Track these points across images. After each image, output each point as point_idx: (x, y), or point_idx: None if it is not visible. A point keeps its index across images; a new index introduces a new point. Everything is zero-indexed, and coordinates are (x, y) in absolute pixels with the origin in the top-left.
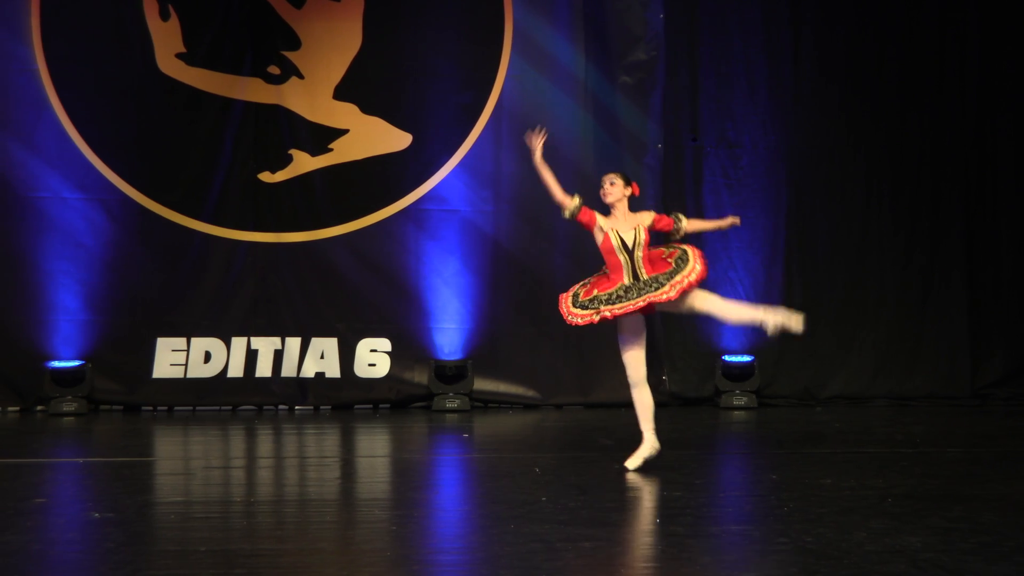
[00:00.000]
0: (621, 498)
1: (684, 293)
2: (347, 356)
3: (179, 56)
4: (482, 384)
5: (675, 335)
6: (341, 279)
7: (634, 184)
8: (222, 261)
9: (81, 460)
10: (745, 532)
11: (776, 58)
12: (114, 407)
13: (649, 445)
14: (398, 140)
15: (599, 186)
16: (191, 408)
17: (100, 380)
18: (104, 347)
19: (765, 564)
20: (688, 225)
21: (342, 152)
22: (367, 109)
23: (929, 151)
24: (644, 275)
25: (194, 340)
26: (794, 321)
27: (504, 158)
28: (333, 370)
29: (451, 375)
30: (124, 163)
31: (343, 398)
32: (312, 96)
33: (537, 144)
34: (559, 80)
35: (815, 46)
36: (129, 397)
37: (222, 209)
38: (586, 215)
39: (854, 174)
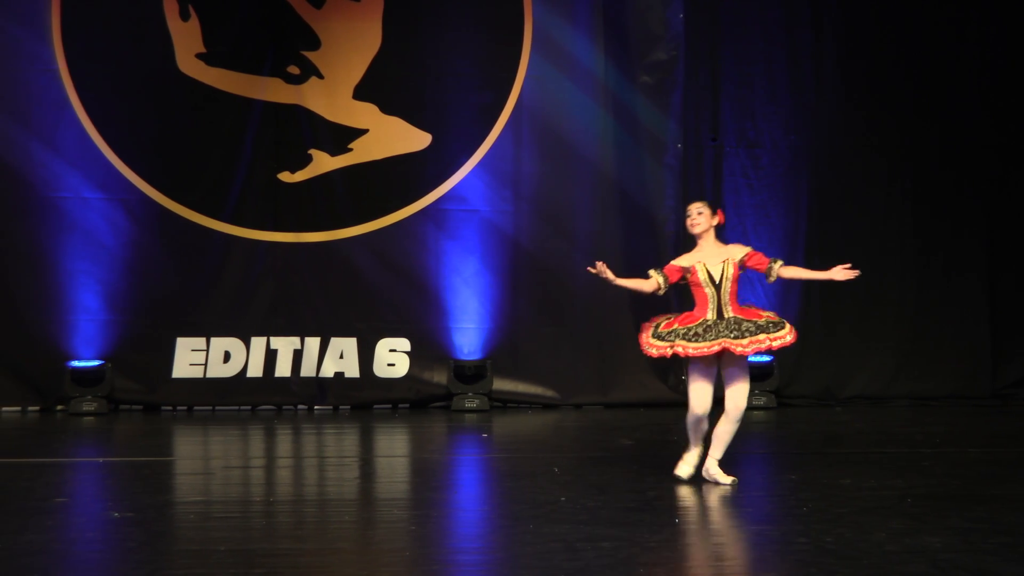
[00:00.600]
0: (640, 498)
1: (757, 352)
2: (366, 356)
3: (199, 56)
4: (501, 384)
5: None
6: (360, 279)
7: (720, 212)
8: (242, 261)
9: (101, 460)
10: (764, 532)
11: (797, 58)
12: (134, 407)
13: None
14: (418, 140)
15: (685, 215)
16: (211, 408)
17: (120, 380)
18: (124, 347)
19: (785, 564)
20: (783, 271)
21: (362, 152)
22: (387, 109)
23: (949, 151)
24: (729, 312)
25: (213, 340)
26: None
27: (524, 158)
28: (352, 370)
29: (470, 375)
30: (144, 163)
31: (362, 398)
32: (332, 96)
33: (604, 273)
34: (579, 80)
35: (836, 46)
36: (149, 397)
37: (242, 209)
38: (672, 273)
39: (874, 174)
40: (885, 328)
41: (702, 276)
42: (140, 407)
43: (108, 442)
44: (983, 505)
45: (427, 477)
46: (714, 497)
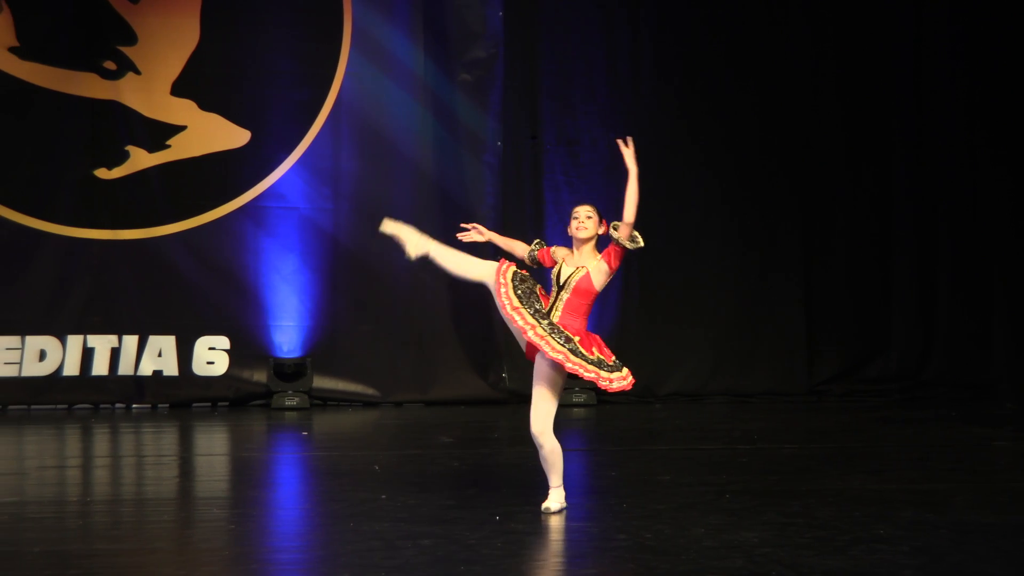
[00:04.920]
0: (460, 495)
1: (552, 360)
2: (185, 354)
3: (11, 50)
4: (321, 382)
5: None
6: (179, 277)
7: (604, 222)
8: (56, 258)
9: None
10: (584, 528)
11: (614, 56)
12: None
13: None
14: (236, 137)
15: (571, 217)
16: (25, 407)
17: None
18: None
19: (604, 560)
20: (626, 216)
21: (180, 149)
22: (205, 106)
23: (766, 148)
24: (556, 316)
25: (28, 338)
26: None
27: (344, 155)
28: (171, 368)
29: (290, 373)
30: None
31: (181, 396)
32: (149, 92)
33: (480, 233)
34: (399, 77)
35: (652, 44)
36: None
37: (56, 205)
38: (545, 256)
39: (692, 171)
40: (703, 325)
41: (554, 273)
42: None
43: None
44: (799, 500)
45: (246, 476)
46: (534, 494)
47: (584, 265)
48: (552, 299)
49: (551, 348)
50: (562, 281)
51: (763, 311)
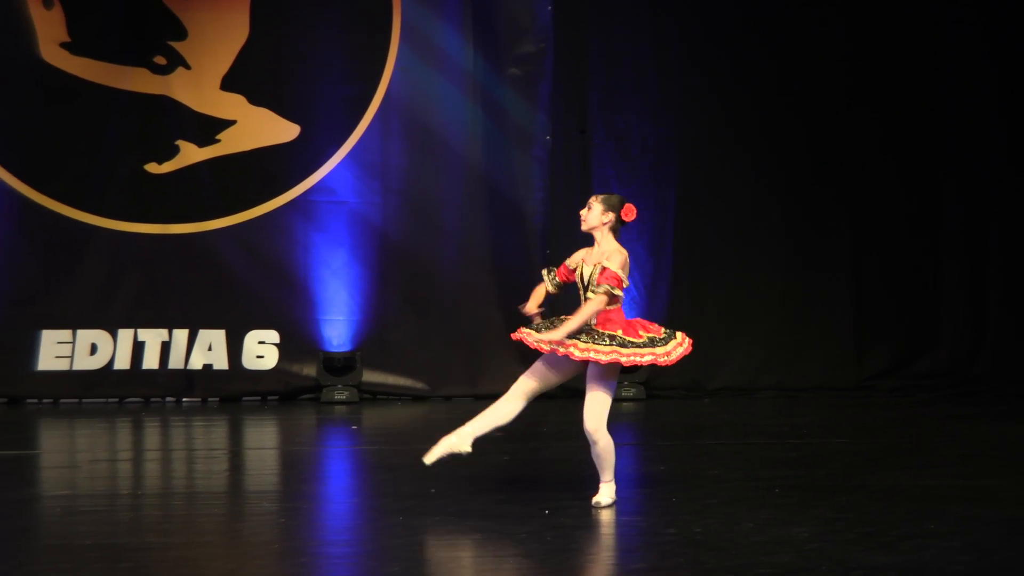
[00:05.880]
0: (509, 490)
1: (592, 363)
2: (235, 348)
3: (63, 45)
4: (371, 376)
5: None
6: (229, 271)
7: (627, 207)
8: (108, 252)
9: None
10: (633, 523)
11: (663, 51)
12: None
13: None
14: (286, 131)
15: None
16: (77, 400)
17: None
18: None
19: (653, 554)
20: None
21: (229, 143)
22: (255, 100)
23: (814, 144)
24: (593, 321)
25: (80, 332)
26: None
27: (392, 150)
28: (221, 362)
29: (339, 367)
30: (6, 153)
31: (231, 390)
32: (199, 87)
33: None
34: (447, 72)
35: (702, 40)
36: (13, 389)
37: (107, 200)
38: (563, 274)
39: (742, 166)
40: (752, 320)
41: (577, 276)
42: (4, 400)
43: None
44: (848, 495)
45: (296, 469)
46: (583, 489)
47: (600, 260)
48: (582, 301)
49: (602, 355)
50: (586, 281)
51: (812, 306)
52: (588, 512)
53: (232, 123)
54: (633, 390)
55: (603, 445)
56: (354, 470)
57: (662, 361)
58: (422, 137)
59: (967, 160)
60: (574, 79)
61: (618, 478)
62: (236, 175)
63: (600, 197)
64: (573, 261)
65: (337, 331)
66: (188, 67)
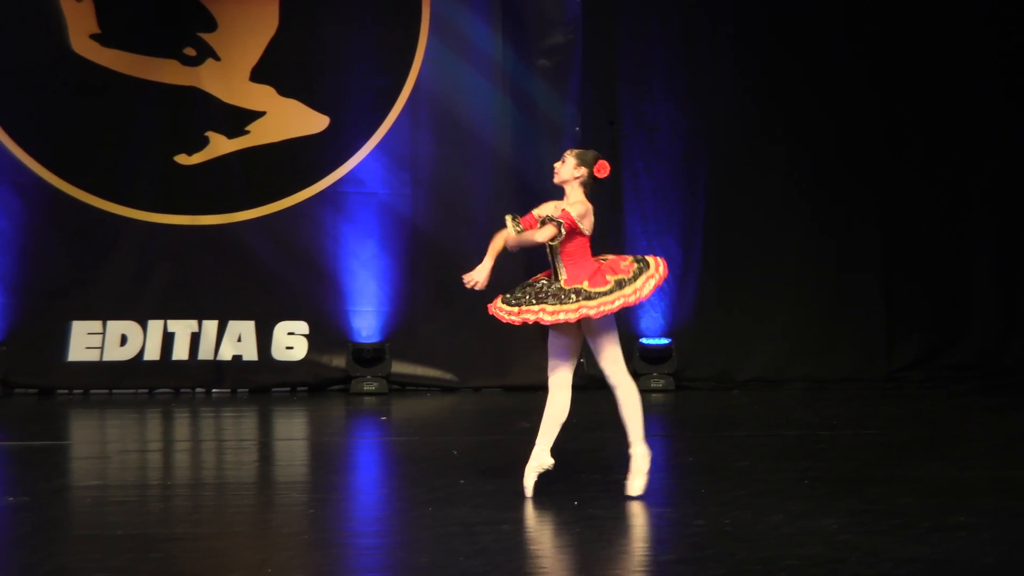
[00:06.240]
0: (539, 481)
1: (585, 320)
2: (264, 339)
3: (93, 37)
4: (400, 367)
5: None
6: (258, 262)
7: (601, 163)
8: (137, 244)
9: None
10: (662, 514)
11: (694, 41)
12: (28, 391)
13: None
14: (315, 122)
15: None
16: (107, 391)
17: (14, 363)
18: (18, 330)
19: (682, 546)
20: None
21: (259, 134)
22: (284, 91)
23: (844, 133)
24: (562, 278)
25: (110, 323)
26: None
27: (422, 141)
28: (250, 353)
29: (369, 358)
30: (37, 145)
31: (260, 381)
32: (228, 78)
33: (480, 278)
34: (477, 63)
35: (733, 32)
36: (44, 380)
37: (137, 191)
38: (528, 223)
39: (771, 156)
40: (782, 311)
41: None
42: (35, 391)
43: (2, 426)
44: (878, 487)
45: (325, 460)
46: (612, 480)
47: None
48: (552, 263)
49: (572, 313)
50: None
51: (842, 297)
52: (618, 503)
53: (261, 114)
54: (662, 381)
55: (626, 389)
56: (383, 461)
57: (632, 301)
58: (451, 128)
59: (998, 151)
60: (603, 70)
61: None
62: (265, 166)
63: (575, 152)
64: (540, 211)
65: (366, 322)
66: (218, 58)
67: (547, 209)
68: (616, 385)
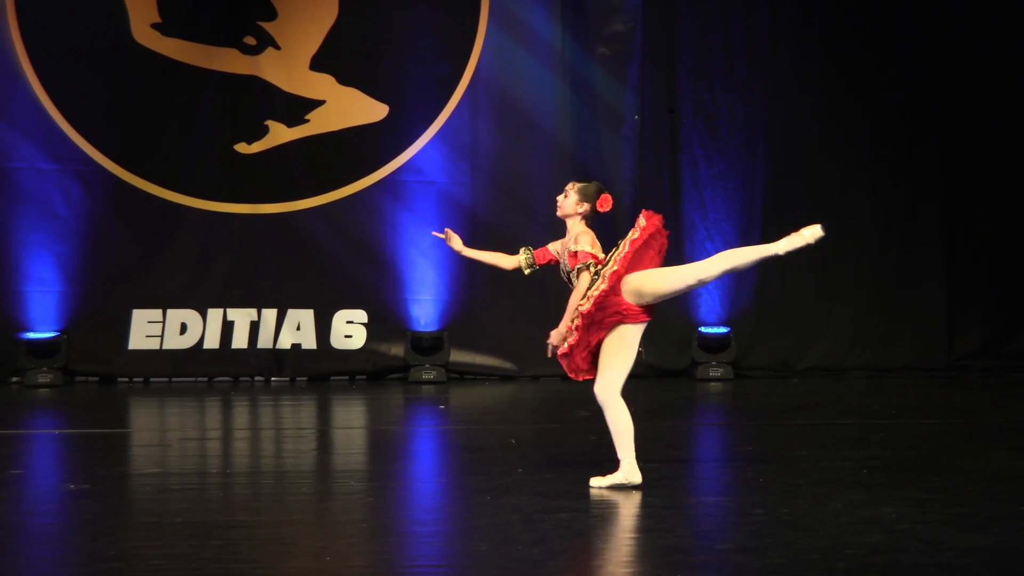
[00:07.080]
0: (598, 469)
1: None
2: (323, 327)
3: (154, 26)
4: (458, 356)
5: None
6: (317, 250)
7: (604, 197)
8: (198, 232)
9: (57, 432)
10: (721, 503)
11: (754, 29)
12: (89, 379)
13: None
14: (375, 111)
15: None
16: (167, 380)
17: (75, 351)
18: (79, 318)
19: (741, 535)
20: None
21: (318, 123)
22: (344, 80)
23: (906, 122)
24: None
25: (170, 312)
26: (809, 234)
27: (481, 129)
28: (309, 341)
29: (427, 347)
30: (99, 134)
31: (319, 369)
32: (288, 67)
33: (450, 240)
34: (536, 51)
35: (793, 16)
36: (105, 368)
37: (197, 180)
38: (542, 256)
39: (832, 145)
40: (842, 300)
41: (561, 269)
42: (96, 379)
43: (64, 414)
44: (938, 476)
45: (384, 449)
46: (671, 468)
47: (568, 246)
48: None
49: (565, 344)
50: (565, 273)
51: (903, 286)
52: (677, 492)
53: (321, 103)
54: (721, 370)
55: (614, 415)
56: (441, 450)
57: (585, 309)
58: (511, 117)
59: None
60: (663, 58)
61: (706, 457)
62: (325, 155)
63: (577, 186)
64: (553, 249)
65: (425, 311)
66: (278, 47)
67: (556, 249)
68: (604, 408)
